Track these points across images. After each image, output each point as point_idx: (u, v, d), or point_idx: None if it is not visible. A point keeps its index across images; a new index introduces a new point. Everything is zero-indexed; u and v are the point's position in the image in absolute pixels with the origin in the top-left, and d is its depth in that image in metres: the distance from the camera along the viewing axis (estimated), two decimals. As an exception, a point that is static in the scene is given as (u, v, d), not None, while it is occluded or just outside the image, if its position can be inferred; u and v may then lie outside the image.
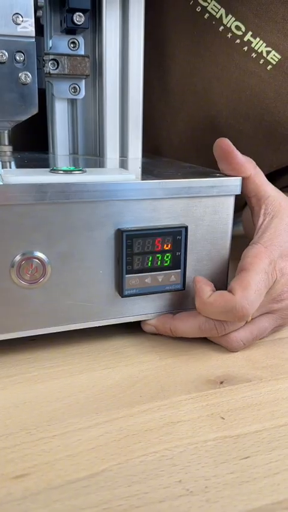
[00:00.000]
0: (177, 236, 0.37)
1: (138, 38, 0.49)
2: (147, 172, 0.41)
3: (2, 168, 0.39)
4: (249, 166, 0.39)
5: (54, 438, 0.28)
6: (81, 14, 0.45)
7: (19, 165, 0.43)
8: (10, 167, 0.42)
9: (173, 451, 0.27)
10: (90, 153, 0.54)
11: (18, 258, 0.34)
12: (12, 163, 0.43)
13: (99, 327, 0.38)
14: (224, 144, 0.38)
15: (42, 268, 0.34)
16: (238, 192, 0.39)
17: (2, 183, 0.32)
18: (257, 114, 0.54)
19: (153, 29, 0.53)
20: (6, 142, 0.46)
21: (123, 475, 0.26)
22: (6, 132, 0.46)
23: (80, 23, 0.46)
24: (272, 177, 0.59)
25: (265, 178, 0.40)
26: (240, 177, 0.39)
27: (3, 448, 0.27)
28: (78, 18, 0.45)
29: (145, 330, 0.40)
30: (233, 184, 0.38)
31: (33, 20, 0.39)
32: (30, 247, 0.34)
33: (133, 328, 0.41)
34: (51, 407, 0.31)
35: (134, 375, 0.35)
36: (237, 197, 0.40)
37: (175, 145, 0.60)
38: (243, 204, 0.60)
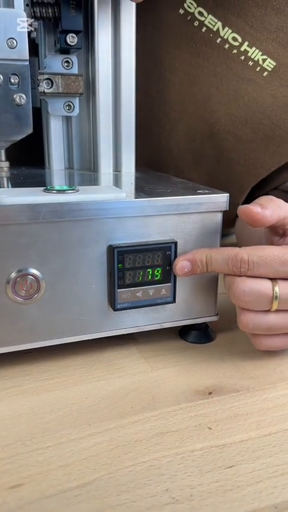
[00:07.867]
0: (167, 251, 0.39)
1: (129, 57, 0.50)
2: (139, 189, 0.43)
3: (-1, 186, 0.40)
4: (275, 212, 0.38)
5: (48, 449, 0.30)
6: (74, 34, 0.47)
7: (15, 182, 0.44)
8: (7, 184, 0.43)
9: (161, 460, 0.29)
10: (85, 167, 0.56)
11: (13, 274, 0.35)
12: (9, 180, 0.45)
13: (92, 339, 0.39)
14: (249, 213, 0.37)
15: (37, 284, 0.36)
16: (226, 208, 0.40)
17: (-3, 204, 0.34)
18: (255, 119, 0.56)
19: (152, 45, 0.55)
20: (3, 159, 0.48)
21: (112, 484, 0.27)
22: (2, 150, 0.47)
23: (73, 43, 0.47)
24: (266, 179, 0.61)
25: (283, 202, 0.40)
26: (227, 194, 0.40)
27: (-1, 459, 0.29)
28: (71, 39, 0.47)
29: (177, 269, 0.39)
30: (221, 201, 0.40)
31: (27, 43, 0.40)
32: (25, 264, 0.35)
33: (126, 340, 0.42)
34: (46, 419, 0.32)
35: (126, 386, 0.36)
36: (227, 211, 0.41)
37: (174, 154, 0.61)
38: (235, 217, 0.62)
